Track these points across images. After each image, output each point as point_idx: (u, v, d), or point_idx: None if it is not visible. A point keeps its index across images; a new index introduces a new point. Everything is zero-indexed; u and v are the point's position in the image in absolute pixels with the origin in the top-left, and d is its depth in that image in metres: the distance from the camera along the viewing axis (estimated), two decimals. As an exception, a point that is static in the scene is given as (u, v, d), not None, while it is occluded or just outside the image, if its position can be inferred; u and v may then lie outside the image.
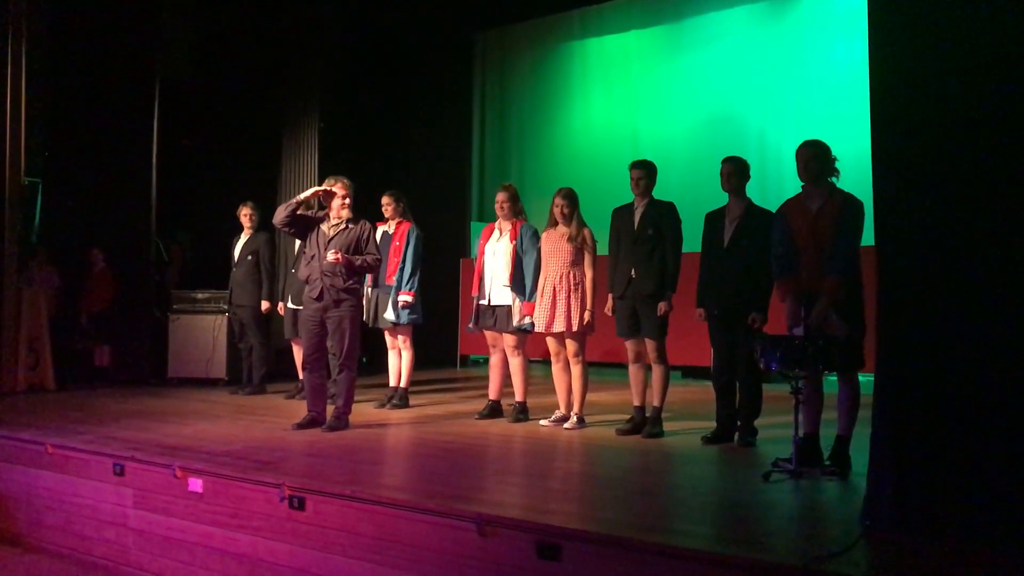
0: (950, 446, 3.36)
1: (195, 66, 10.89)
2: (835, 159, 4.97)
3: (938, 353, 3.41)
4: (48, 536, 5.52)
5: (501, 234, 6.58)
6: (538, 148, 12.12)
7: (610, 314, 6.03)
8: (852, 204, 4.83)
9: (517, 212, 6.60)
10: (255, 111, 10.71)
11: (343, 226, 6.18)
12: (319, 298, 6.07)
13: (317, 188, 6.30)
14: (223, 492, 4.67)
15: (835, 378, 4.85)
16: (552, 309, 6.11)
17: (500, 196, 6.57)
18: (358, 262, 6.13)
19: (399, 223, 7.25)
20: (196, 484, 4.77)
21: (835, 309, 4.69)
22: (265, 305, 8.13)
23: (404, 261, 7.06)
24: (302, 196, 6.18)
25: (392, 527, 4.02)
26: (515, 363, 6.54)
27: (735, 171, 5.63)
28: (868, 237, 4.23)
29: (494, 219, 6.70)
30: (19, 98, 8.42)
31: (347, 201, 6.21)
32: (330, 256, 5.99)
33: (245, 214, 8.29)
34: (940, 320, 3.41)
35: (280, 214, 6.10)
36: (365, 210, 6.68)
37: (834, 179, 4.95)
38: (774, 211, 5.65)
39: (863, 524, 3.51)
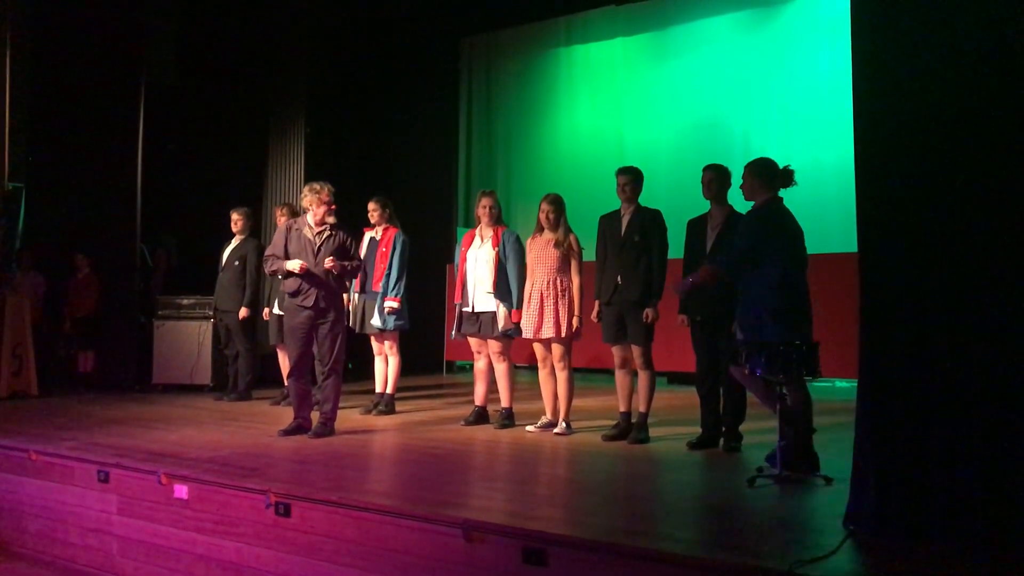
0: (932, 450, 3.38)
1: (180, 70, 10.86)
2: (778, 174, 5.06)
3: (920, 358, 3.44)
4: (31, 543, 5.49)
5: (483, 241, 6.58)
6: (524, 154, 12.14)
7: (596, 320, 6.05)
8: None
9: (498, 218, 6.62)
10: (241, 116, 10.69)
11: (327, 232, 6.18)
12: (312, 306, 6.05)
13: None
14: (208, 499, 4.65)
15: (820, 383, 4.89)
16: (540, 315, 6.12)
17: (487, 201, 6.58)
18: (349, 268, 6.15)
19: (385, 229, 7.26)
20: (181, 491, 4.76)
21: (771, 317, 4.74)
22: (243, 312, 8.10)
23: (390, 267, 7.07)
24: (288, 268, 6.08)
25: (378, 533, 4.02)
26: (500, 369, 6.55)
27: (715, 178, 5.67)
28: (851, 243, 4.26)
29: (475, 225, 6.71)
30: (3, 102, 8.39)
31: (332, 207, 6.20)
32: (327, 263, 5.99)
33: (236, 220, 8.27)
34: (922, 325, 3.44)
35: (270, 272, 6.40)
36: (351, 216, 6.68)
37: (782, 191, 5.08)
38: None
39: (847, 528, 3.54)
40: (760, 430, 5.69)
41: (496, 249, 6.46)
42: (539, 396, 6.49)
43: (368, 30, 11.45)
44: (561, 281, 6.13)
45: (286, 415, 6.51)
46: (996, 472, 3.25)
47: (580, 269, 6.16)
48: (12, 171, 8.63)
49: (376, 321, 7.06)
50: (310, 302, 6.05)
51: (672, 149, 10.59)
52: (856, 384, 3.74)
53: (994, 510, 3.25)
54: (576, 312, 6.09)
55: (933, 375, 3.39)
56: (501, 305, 6.39)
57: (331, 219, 6.19)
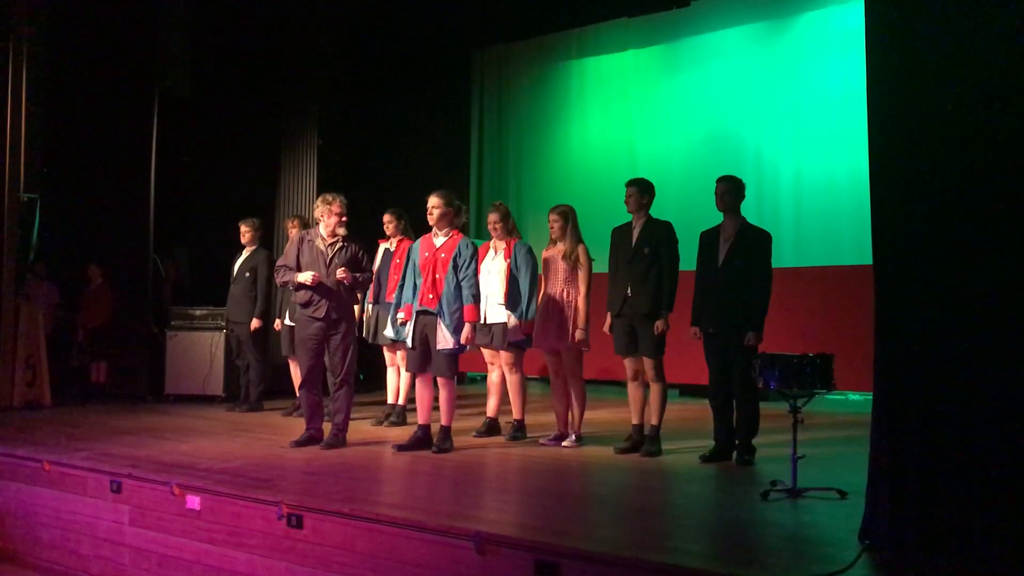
0: (948, 465, 3.36)
1: (194, 82, 10.93)
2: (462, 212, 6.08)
3: (936, 371, 3.42)
4: (44, 553, 5.50)
5: (496, 253, 6.59)
6: (536, 166, 12.15)
7: (608, 332, 6.04)
8: None
9: (510, 230, 6.62)
10: (254, 128, 10.74)
11: (339, 244, 6.20)
12: (324, 317, 6.07)
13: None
14: (221, 510, 4.66)
15: (834, 396, 4.88)
16: (547, 325, 6.11)
17: (492, 217, 6.62)
18: (360, 279, 6.16)
19: (400, 240, 7.28)
20: (194, 501, 4.77)
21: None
22: (255, 323, 8.12)
23: (404, 278, 7.07)
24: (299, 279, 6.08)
25: (390, 545, 4.01)
26: (513, 380, 6.54)
27: (729, 190, 5.66)
28: (865, 255, 4.24)
29: (491, 238, 6.72)
30: (19, 114, 8.45)
31: (344, 219, 6.22)
32: (340, 274, 6.00)
33: (245, 231, 8.31)
34: (938, 338, 3.42)
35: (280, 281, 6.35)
36: (363, 227, 6.70)
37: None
38: (769, 231, 5.71)
39: (862, 543, 3.52)
40: (773, 443, 5.67)
41: (508, 261, 6.46)
42: (551, 408, 6.47)
43: (380, 42, 11.49)
44: (569, 292, 6.13)
45: (298, 426, 6.52)
46: (1014, 487, 3.22)
47: (587, 280, 6.14)
48: (27, 182, 8.68)
49: (389, 332, 7.05)
50: (321, 313, 6.07)
51: (684, 161, 10.58)
52: (870, 397, 3.72)
53: (1011, 526, 3.22)
54: (580, 324, 6.08)
55: (949, 388, 3.37)
56: (511, 315, 6.39)
57: (342, 230, 6.21)
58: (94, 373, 9.62)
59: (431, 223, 6.06)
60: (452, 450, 5.94)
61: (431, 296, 5.92)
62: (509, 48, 12.35)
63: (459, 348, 5.93)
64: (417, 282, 6.01)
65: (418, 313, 5.98)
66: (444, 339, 5.86)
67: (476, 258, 6.02)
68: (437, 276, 5.92)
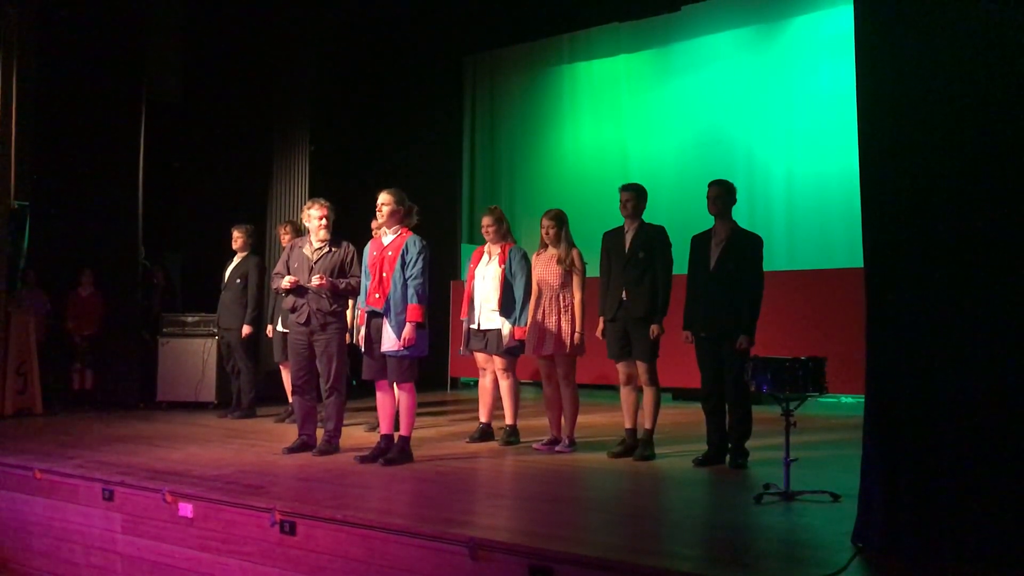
0: (941, 466, 3.37)
1: (185, 88, 10.91)
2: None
3: (927, 373, 3.42)
4: (35, 562, 5.48)
5: (490, 258, 6.59)
6: (528, 171, 12.17)
7: (601, 337, 6.04)
8: None
9: (504, 235, 6.60)
10: (244, 133, 10.72)
11: (326, 249, 6.19)
12: (306, 323, 6.07)
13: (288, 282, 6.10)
14: (213, 517, 4.64)
15: (826, 399, 4.89)
16: (542, 331, 6.12)
17: (485, 220, 6.60)
18: (342, 285, 6.13)
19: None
20: (186, 509, 4.75)
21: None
22: (246, 330, 8.11)
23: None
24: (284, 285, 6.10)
25: (384, 551, 4.01)
26: (505, 385, 6.53)
27: (721, 194, 5.68)
28: (856, 259, 4.26)
29: (484, 242, 6.71)
30: (8, 121, 8.42)
31: (323, 222, 6.21)
32: (315, 280, 6.00)
33: (236, 237, 8.30)
34: (929, 340, 3.43)
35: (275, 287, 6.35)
36: (356, 232, 6.69)
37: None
38: (761, 234, 5.72)
39: (855, 546, 3.52)
40: (766, 447, 5.66)
41: (502, 267, 6.46)
42: (544, 413, 6.47)
43: (372, 48, 11.50)
44: (564, 297, 6.13)
45: (290, 432, 6.51)
46: (1006, 488, 3.23)
47: (582, 285, 6.15)
48: (17, 190, 8.65)
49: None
50: (303, 318, 6.08)
51: (676, 165, 10.61)
52: (863, 399, 3.73)
53: (1004, 527, 3.23)
54: (578, 328, 6.08)
55: (941, 389, 3.38)
56: (506, 322, 6.39)
57: (324, 233, 6.20)
58: (84, 380, 9.60)
59: (380, 221, 5.82)
60: (408, 462, 5.67)
61: (377, 296, 5.68)
62: (501, 53, 12.38)
63: (410, 351, 5.62)
64: (366, 282, 5.82)
65: (368, 315, 5.79)
66: (388, 340, 5.60)
67: (425, 256, 5.69)
68: (384, 275, 5.67)
